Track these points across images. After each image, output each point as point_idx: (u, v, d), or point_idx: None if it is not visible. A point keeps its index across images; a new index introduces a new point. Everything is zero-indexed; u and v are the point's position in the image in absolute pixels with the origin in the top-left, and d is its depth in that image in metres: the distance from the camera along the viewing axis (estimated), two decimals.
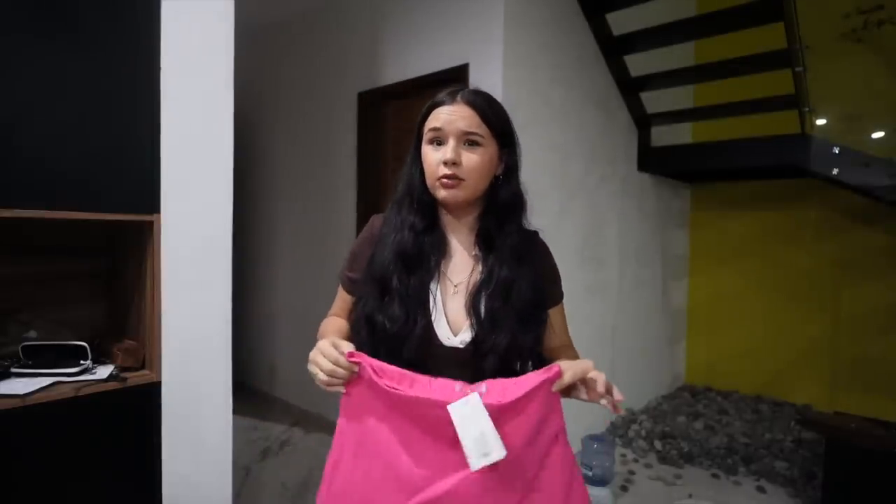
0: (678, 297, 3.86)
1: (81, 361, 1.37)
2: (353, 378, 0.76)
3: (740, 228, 3.67)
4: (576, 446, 2.61)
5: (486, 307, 0.84)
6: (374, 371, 0.75)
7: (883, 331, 3.08)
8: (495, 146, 0.88)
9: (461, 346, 0.84)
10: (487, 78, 2.27)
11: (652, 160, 3.26)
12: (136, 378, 1.39)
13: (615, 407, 0.74)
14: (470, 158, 0.84)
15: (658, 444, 2.79)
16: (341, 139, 3.00)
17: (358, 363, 0.75)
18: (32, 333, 1.47)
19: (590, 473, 2.23)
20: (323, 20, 3.17)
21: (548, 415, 0.74)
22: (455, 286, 0.88)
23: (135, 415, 1.40)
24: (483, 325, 0.83)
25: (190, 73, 1.48)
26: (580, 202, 2.77)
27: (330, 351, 0.75)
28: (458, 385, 0.75)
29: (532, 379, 0.73)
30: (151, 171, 1.41)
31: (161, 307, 1.42)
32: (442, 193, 0.85)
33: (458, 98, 0.86)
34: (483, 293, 0.85)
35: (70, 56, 1.29)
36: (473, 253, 0.91)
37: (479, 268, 0.88)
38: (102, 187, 1.34)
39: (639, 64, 2.96)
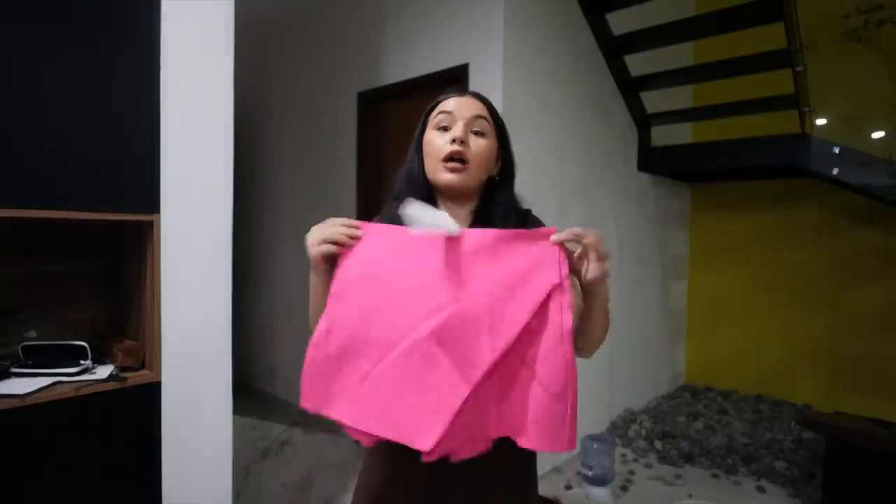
0: (678, 297, 3.86)
1: (81, 361, 1.37)
2: (350, 244, 0.77)
3: (740, 228, 3.67)
4: (576, 447, 2.61)
5: None
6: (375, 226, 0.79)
7: (883, 330, 3.07)
8: (496, 141, 0.91)
9: None
10: (487, 78, 2.27)
11: (652, 160, 3.25)
12: (136, 378, 1.39)
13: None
14: (477, 143, 0.87)
15: (658, 444, 2.79)
16: (342, 139, 3.00)
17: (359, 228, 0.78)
18: (32, 333, 1.47)
19: (590, 473, 2.23)
20: (323, 20, 3.17)
21: (541, 263, 0.73)
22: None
23: (135, 415, 1.40)
24: None
25: (190, 73, 1.48)
26: (580, 202, 2.77)
27: (336, 220, 0.78)
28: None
29: (529, 232, 0.75)
30: (151, 171, 1.41)
31: (161, 307, 1.42)
32: (447, 177, 0.85)
33: (467, 93, 0.91)
34: None
35: (70, 56, 1.29)
36: None
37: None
38: (102, 187, 1.34)
39: (639, 64, 2.96)
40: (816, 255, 3.34)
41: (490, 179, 0.91)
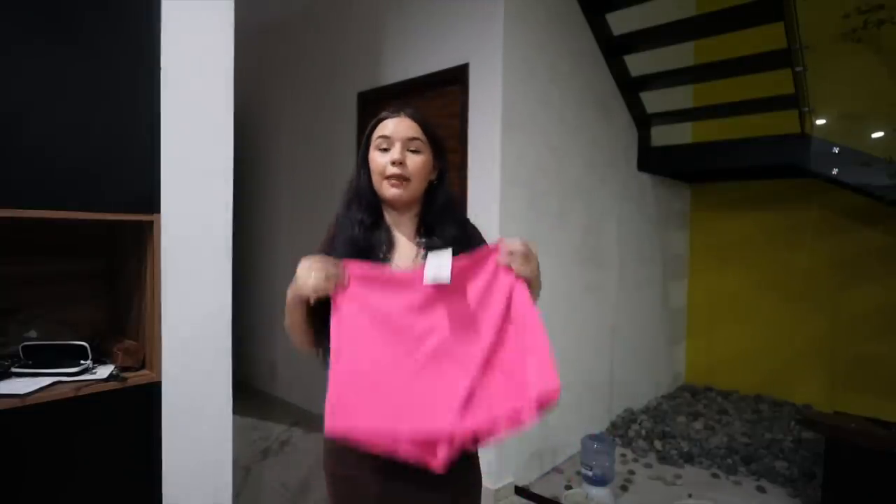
0: (678, 297, 3.86)
1: (81, 361, 1.37)
2: (341, 285, 0.89)
3: (740, 228, 3.67)
4: (576, 446, 2.61)
5: None
6: (360, 271, 0.91)
7: (883, 330, 3.07)
8: (431, 154, 1.03)
9: None
10: (487, 78, 2.27)
11: (652, 160, 3.25)
12: (136, 378, 1.39)
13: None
14: (414, 160, 0.99)
15: (658, 444, 2.79)
16: (341, 139, 3.00)
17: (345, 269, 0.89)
18: (32, 333, 1.47)
19: (590, 473, 2.23)
20: (323, 20, 3.17)
21: (496, 276, 0.92)
22: (403, 270, 1.00)
23: (135, 415, 1.40)
24: None
25: (190, 73, 1.48)
26: (580, 202, 2.77)
27: (322, 260, 0.89)
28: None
29: (482, 252, 0.94)
30: (151, 171, 1.41)
31: (161, 307, 1.42)
32: (391, 192, 0.99)
33: (402, 113, 1.02)
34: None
35: (71, 56, 1.29)
36: (416, 241, 1.03)
37: (424, 253, 1.01)
38: (102, 187, 1.34)
39: (639, 64, 2.96)
40: (816, 255, 3.34)
41: (430, 184, 1.05)
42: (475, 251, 0.94)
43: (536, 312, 0.90)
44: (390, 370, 0.86)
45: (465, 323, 0.90)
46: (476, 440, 0.84)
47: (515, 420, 0.83)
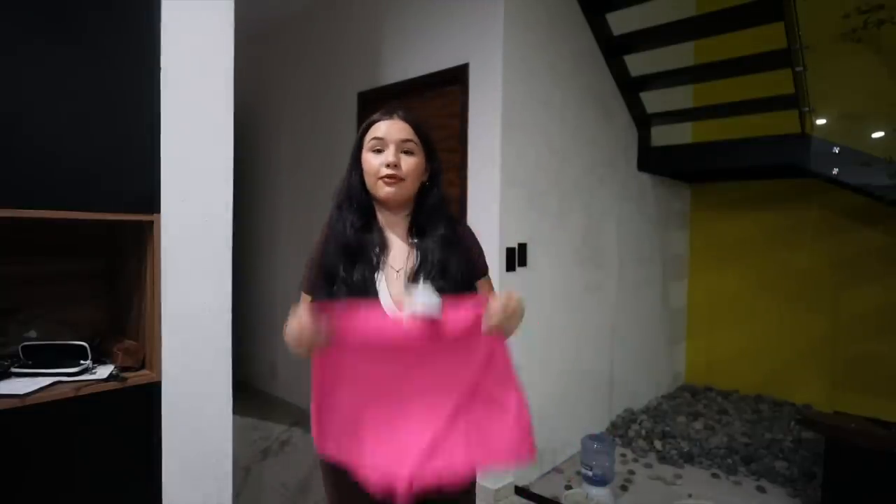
0: (678, 297, 3.86)
1: (81, 361, 1.37)
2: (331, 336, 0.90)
3: (740, 228, 3.67)
4: (576, 446, 2.60)
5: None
6: (341, 316, 0.90)
7: (883, 330, 3.07)
8: (423, 155, 1.05)
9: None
10: (487, 78, 2.27)
11: (652, 160, 3.25)
12: (136, 378, 1.39)
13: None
14: (407, 162, 1.01)
15: (658, 444, 2.79)
16: (341, 139, 3.00)
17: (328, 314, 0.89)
18: (32, 333, 1.47)
19: (590, 473, 2.23)
20: (323, 20, 3.17)
21: (479, 332, 0.91)
22: (397, 272, 1.01)
23: (135, 415, 1.40)
24: None
25: (190, 73, 1.48)
26: (580, 202, 2.77)
27: (311, 314, 0.86)
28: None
29: (468, 311, 0.91)
30: (151, 171, 1.41)
31: (161, 307, 1.42)
32: (385, 190, 1.00)
33: (395, 116, 1.03)
34: (421, 273, 0.99)
35: (71, 57, 1.29)
36: (409, 242, 1.04)
37: (416, 253, 1.02)
38: (102, 187, 1.34)
39: (639, 64, 2.96)
40: (816, 255, 3.34)
41: (422, 185, 1.06)
42: (462, 302, 0.92)
43: (516, 376, 0.94)
44: (367, 412, 0.91)
45: (443, 374, 0.92)
46: (436, 484, 0.87)
47: (473, 469, 0.90)
